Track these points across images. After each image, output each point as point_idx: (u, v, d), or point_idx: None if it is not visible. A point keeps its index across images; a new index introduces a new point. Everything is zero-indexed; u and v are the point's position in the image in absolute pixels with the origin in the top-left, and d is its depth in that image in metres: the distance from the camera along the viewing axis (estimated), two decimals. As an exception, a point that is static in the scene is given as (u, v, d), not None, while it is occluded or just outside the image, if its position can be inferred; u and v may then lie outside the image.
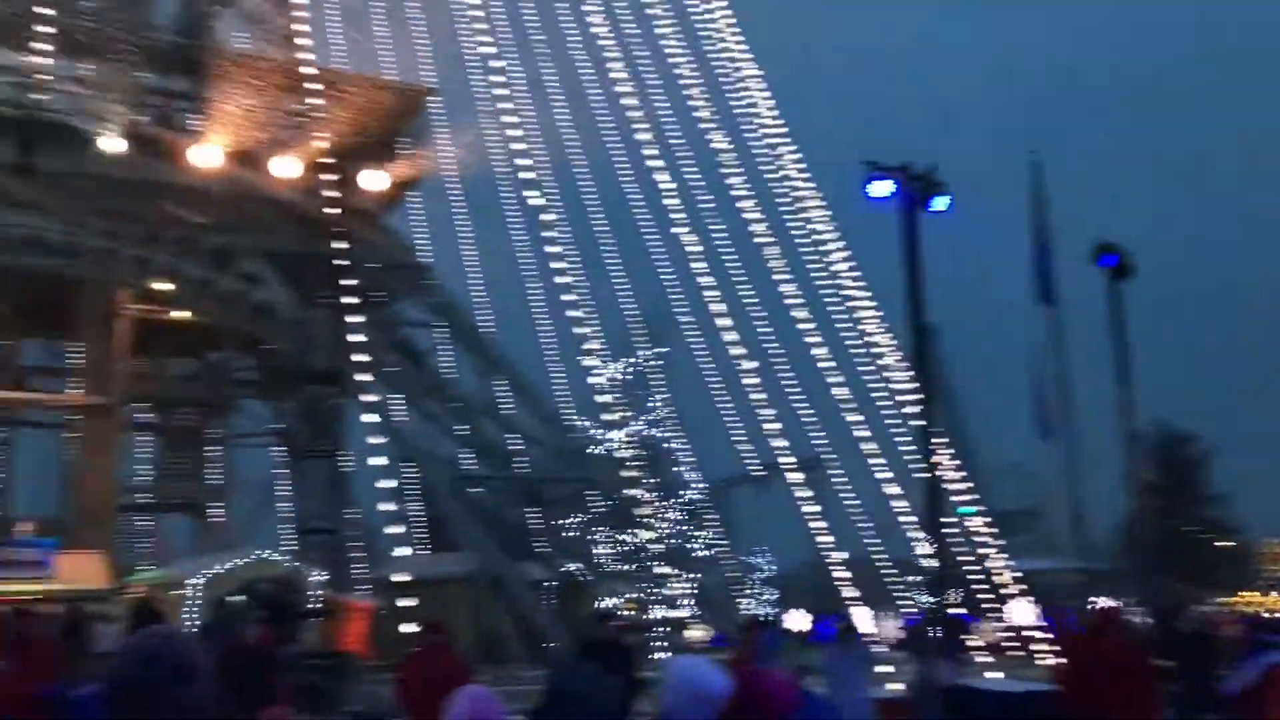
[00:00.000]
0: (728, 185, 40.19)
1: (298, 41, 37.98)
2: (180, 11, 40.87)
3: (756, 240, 39.95)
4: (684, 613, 37.01)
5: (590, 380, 38.15)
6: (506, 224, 43.29)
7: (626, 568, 37.02)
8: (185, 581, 26.77)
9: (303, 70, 36.59)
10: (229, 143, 35.49)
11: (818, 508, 37.67)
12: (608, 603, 33.77)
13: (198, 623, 22.04)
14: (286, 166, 36.15)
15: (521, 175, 38.53)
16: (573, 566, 35.54)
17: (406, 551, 34.51)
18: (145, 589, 26.76)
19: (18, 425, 42.61)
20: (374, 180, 37.99)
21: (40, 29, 33.74)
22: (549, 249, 38.21)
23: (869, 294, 38.43)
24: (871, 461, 37.46)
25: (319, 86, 36.19)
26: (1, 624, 16.47)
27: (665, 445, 40.28)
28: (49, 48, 33.68)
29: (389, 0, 43.78)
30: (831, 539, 37.46)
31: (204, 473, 43.26)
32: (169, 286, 35.89)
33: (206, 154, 35.19)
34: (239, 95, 35.95)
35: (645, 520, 37.44)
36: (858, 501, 38.66)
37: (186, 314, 38.60)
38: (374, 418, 34.05)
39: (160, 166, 35.19)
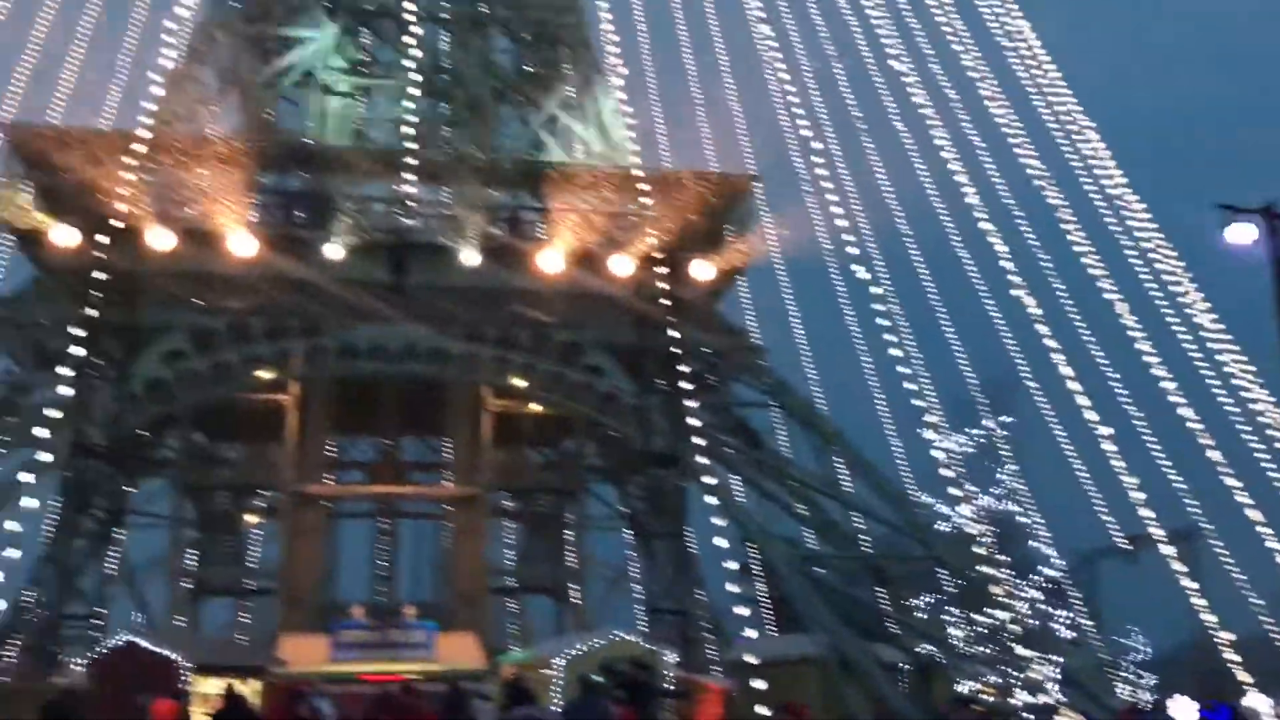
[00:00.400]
0: (1068, 240, 38.27)
1: (627, 146, 40.28)
2: (522, 131, 44.55)
3: (1105, 295, 37.62)
4: (1050, 698, 34.61)
5: (932, 454, 37.07)
6: (837, 299, 43.36)
7: (984, 650, 35.22)
8: (550, 661, 28.21)
9: (632, 172, 38.69)
10: (570, 246, 38.00)
11: (1196, 583, 34.35)
12: (966, 687, 32.22)
13: (563, 702, 23.12)
14: (622, 263, 38.14)
15: (848, 250, 38.53)
16: (926, 648, 34.26)
17: (753, 633, 34.62)
18: (515, 668, 28.43)
19: (399, 516, 46.92)
20: (703, 268, 39.26)
21: (408, 160, 37.92)
22: (880, 321, 37.81)
23: (1236, 346, 35.04)
24: (1259, 529, 33.78)
25: (647, 187, 38.11)
26: (392, 701, 18.10)
27: (1018, 519, 38.29)
28: (414, 177, 37.72)
29: (708, 91, 45.65)
30: (1216, 617, 33.96)
31: (562, 556, 45.60)
32: (524, 382, 38.59)
33: (550, 258, 37.85)
34: (576, 201, 38.56)
35: (1001, 599, 35.55)
36: (1244, 575, 34.93)
37: (540, 406, 41.30)
38: (714, 499, 34.70)
39: (511, 273, 38.22)
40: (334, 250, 36.61)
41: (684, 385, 35.56)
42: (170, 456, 42.59)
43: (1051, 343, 36.83)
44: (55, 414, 32.37)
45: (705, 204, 39.14)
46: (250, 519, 44.41)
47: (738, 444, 38.65)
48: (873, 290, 38.13)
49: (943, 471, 36.83)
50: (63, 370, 32.92)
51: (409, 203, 37.83)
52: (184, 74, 40.29)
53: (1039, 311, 37.19)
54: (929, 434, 36.74)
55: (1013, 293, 37.57)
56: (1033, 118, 40.21)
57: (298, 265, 36.52)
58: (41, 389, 34.47)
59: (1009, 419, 39.54)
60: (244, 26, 42.41)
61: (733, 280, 42.07)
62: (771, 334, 43.43)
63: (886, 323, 37.35)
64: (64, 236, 35.19)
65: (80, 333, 33.37)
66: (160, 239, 35.54)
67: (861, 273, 38.08)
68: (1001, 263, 37.71)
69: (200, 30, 41.48)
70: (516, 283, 38.13)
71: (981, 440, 38.69)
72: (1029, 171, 39.23)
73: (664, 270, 37.37)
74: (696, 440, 34.64)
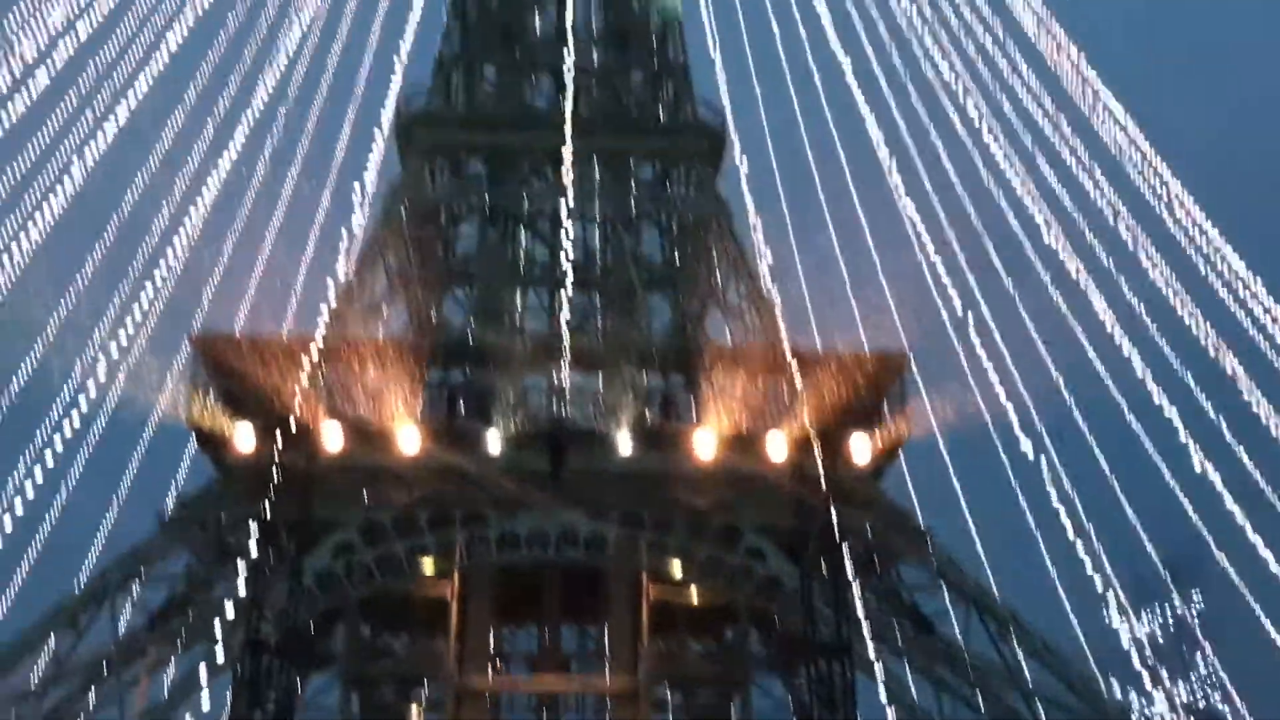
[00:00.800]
0: (1243, 401, 36.35)
1: (776, 326, 40.58)
2: (672, 318, 45.56)
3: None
4: None
5: (1123, 641, 34.68)
6: (1004, 473, 41.78)
7: None
8: None
9: (783, 352, 38.80)
10: (724, 428, 37.96)
11: None
12: None
13: None
14: (777, 444, 37.80)
15: (1012, 422, 37.41)
16: None
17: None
18: None
19: (559, 709, 46.07)
20: (861, 447, 38.56)
21: (564, 351, 39.05)
22: (1051, 495, 36.27)
23: None
24: None
25: (797, 366, 38.08)
26: None
27: (1222, 709, 35.18)
28: (569, 368, 38.76)
29: (855, 267, 45.81)
30: None
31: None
32: (682, 568, 38.06)
33: (705, 441, 37.84)
34: (729, 384, 38.73)
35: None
36: None
37: (700, 594, 40.50)
38: (886, 690, 33.05)
39: (666, 457, 38.30)
40: (494, 441, 37.55)
41: (848, 569, 34.49)
42: (337, 649, 43.18)
43: (1239, 514, 34.60)
44: (230, 610, 33.41)
45: (860, 382, 38.76)
46: (414, 712, 44.30)
47: (908, 630, 36.99)
48: (1043, 463, 36.82)
49: (1135, 660, 34.38)
50: (240, 566, 34.12)
51: (565, 392, 38.72)
52: (356, 279, 42.86)
53: (1218, 482, 35.14)
54: (1114, 618, 34.51)
55: (1195, 462, 35.65)
56: (1192, 275, 39.10)
57: (460, 457, 37.49)
58: (220, 583, 35.75)
59: (1198, 599, 36.88)
60: (411, 233, 45.14)
61: (893, 458, 41.08)
62: (938, 512, 41.94)
63: (1056, 501, 35.80)
64: (244, 437, 37.08)
65: (256, 530, 34.69)
66: (332, 437, 37.09)
67: (1026, 446, 36.89)
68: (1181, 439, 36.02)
69: (371, 238, 44.32)
70: (672, 467, 38.16)
71: (1171, 622, 36.11)
72: (1197, 333, 37.86)
73: (821, 450, 36.84)
74: (864, 627, 33.33)
